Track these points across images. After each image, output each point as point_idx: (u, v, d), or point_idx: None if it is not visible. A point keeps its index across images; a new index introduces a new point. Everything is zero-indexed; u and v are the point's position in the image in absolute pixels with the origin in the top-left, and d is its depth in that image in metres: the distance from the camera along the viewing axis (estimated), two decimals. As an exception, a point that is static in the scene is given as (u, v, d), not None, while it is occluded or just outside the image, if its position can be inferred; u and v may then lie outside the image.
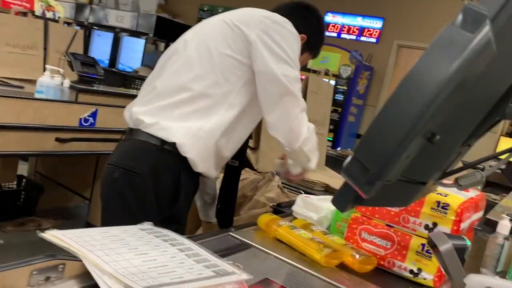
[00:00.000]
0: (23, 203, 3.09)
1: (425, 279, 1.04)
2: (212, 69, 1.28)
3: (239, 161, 1.57)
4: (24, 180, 3.22)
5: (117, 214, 1.32)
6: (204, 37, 1.34)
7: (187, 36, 1.39)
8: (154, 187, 1.26)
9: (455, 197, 1.04)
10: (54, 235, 0.81)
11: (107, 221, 1.31)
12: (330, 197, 1.47)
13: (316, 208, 1.33)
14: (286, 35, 1.29)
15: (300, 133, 1.33)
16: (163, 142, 1.25)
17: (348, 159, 0.50)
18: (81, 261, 0.76)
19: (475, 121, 0.56)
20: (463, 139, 0.58)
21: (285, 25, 1.30)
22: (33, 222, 3.03)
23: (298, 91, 1.30)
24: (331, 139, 6.76)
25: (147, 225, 1.02)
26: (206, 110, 1.27)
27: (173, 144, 1.24)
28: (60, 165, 3.15)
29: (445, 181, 0.72)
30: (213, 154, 1.30)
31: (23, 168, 3.29)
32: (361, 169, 0.48)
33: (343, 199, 0.53)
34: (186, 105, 1.28)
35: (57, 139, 2.39)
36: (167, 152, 1.25)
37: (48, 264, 0.72)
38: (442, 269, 0.78)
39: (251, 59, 1.27)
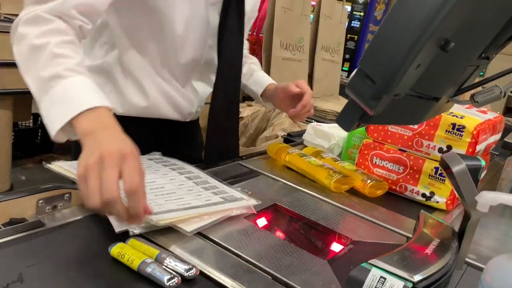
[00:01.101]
0: (40, 140, 3.15)
1: (437, 202, 1.03)
2: None
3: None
4: (39, 118, 3.25)
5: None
6: None
7: None
8: None
9: (471, 118, 1.00)
10: (59, 166, 0.81)
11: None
12: (342, 125, 1.43)
13: (327, 135, 1.30)
14: None
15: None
16: None
17: (353, 73, 0.46)
18: (87, 190, 0.76)
19: (494, 28, 0.51)
20: (481, 49, 0.53)
21: None
22: (52, 158, 3.07)
23: None
24: (347, 69, 6.56)
25: (155, 154, 1.01)
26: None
27: None
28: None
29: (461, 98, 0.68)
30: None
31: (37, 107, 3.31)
32: (366, 83, 0.44)
33: (348, 118, 0.50)
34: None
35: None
36: None
37: (54, 193, 0.72)
38: (455, 191, 0.76)
39: None
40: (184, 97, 1.08)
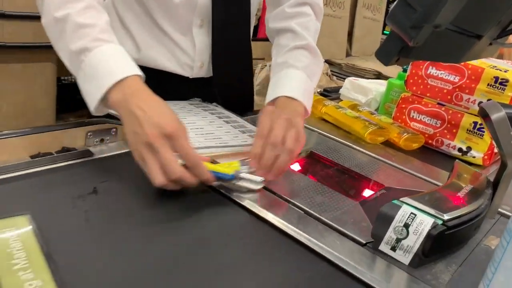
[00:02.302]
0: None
1: (474, 157, 1.02)
2: None
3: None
4: (81, 74, 3.36)
5: None
6: None
7: None
8: None
9: (516, 72, 0.97)
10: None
11: None
12: (380, 81, 1.42)
13: (364, 90, 1.30)
14: None
15: None
16: None
17: (394, 3, 0.47)
18: (132, 126, 0.80)
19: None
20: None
21: None
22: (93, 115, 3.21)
23: None
24: (388, 33, 6.35)
25: (196, 100, 1.04)
26: None
27: None
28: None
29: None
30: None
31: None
32: (407, 11, 0.44)
33: (388, 50, 0.51)
34: None
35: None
36: None
37: (102, 127, 0.77)
38: (493, 140, 0.76)
39: None
40: (182, 50, 0.97)
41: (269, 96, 0.89)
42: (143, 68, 0.96)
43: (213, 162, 0.75)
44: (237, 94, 1.07)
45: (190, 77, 1.01)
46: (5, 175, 0.63)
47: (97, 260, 0.50)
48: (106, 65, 0.68)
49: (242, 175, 0.69)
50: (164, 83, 1.00)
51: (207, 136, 0.82)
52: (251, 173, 0.72)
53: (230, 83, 1.04)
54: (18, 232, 0.51)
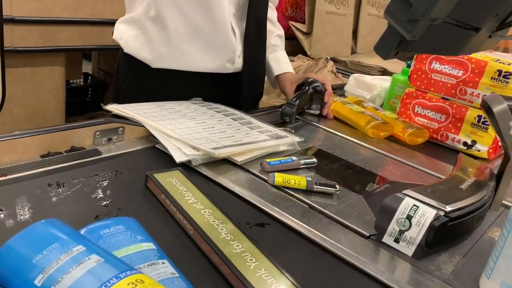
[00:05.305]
0: (91, 99, 3.29)
1: (479, 150, 1.02)
2: None
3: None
4: (89, 78, 3.39)
5: None
6: None
7: None
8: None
9: (519, 65, 0.98)
10: (115, 108, 0.87)
11: None
12: (384, 77, 1.43)
13: (369, 86, 1.31)
14: None
15: None
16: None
17: (391, -2, 0.48)
18: (139, 125, 0.82)
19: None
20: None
21: None
22: (102, 116, 3.22)
23: None
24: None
25: (197, 99, 1.06)
26: None
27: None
28: (121, 62, 3.24)
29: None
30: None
31: (87, 68, 3.45)
32: (403, 6, 0.45)
33: (387, 45, 0.51)
34: None
35: (115, 33, 2.44)
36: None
37: (109, 127, 0.79)
38: (495, 132, 0.76)
39: None
40: (222, 43, 1.02)
41: (279, 71, 1.20)
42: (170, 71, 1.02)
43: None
44: (256, 89, 1.19)
45: (228, 72, 1.07)
46: (17, 174, 0.64)
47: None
48: None
49: (315, 186, 0.73)
50: (194, 83, 1.06)
51: (221, 135, 0.83)
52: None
53: (256, 76, 1.15)
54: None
